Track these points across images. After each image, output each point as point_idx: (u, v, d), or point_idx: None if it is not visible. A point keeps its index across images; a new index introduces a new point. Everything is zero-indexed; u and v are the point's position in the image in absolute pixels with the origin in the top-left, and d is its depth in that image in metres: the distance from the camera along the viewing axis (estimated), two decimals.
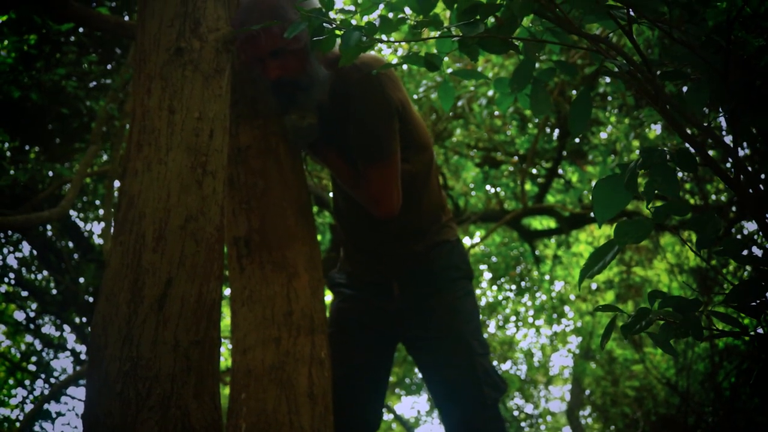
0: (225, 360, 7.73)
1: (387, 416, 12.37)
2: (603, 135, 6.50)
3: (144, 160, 1.91)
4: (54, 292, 7.68)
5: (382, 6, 1.74)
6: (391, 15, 1.75)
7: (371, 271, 2.62)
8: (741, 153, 4.86)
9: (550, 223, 8.70)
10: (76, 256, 7.27)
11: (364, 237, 2.61)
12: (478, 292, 9.88)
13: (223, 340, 5.07)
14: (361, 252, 2.65)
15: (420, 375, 2.78)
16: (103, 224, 6.86)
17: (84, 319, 7.61)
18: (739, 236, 6.15)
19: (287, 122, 2.43)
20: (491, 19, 1.57)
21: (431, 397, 2.58)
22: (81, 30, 5.39)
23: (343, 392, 2.45)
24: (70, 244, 7.26)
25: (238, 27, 2.30)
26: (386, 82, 2.38)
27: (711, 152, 5.04)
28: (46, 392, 7.88)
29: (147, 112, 1.96)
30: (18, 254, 7.49)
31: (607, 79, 5.61)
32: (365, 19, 1.78)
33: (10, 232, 7.04)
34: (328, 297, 3.31)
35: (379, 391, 2.63)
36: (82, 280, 7.24)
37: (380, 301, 2.60)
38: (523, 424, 13.19)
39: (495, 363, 11.11)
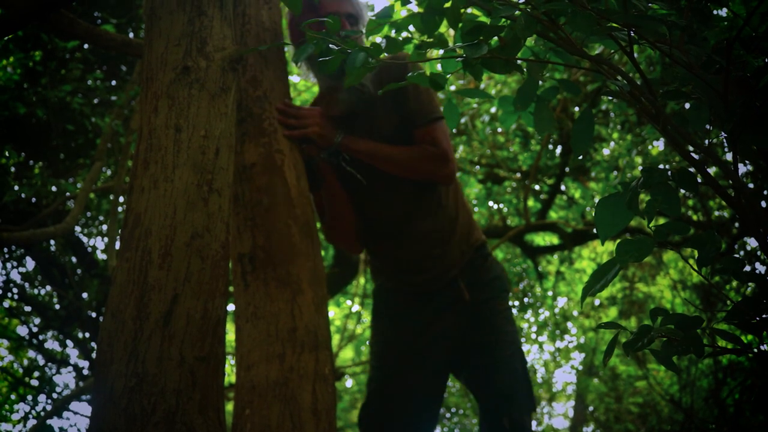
0: (229, 376, 7.71)
1: None
2: (606, 151, 6.51)
3: (150, 178, 1.93)
4: (57, 307, 7.68)
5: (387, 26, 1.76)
6: (394, 33, 1.77)
7: (429, 271, 2.65)
8: (743, 169, 4.88)
9: (552, 239, 8.70)
10: (79, 271, 7.28)
11: (412, 241, 2.65)
12: None
13: (227, 356, 5.05)
14: (413, 253, 2.66)
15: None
16: (106, 240, 6.88)
17: (87, 335, 7.61)
18: (742, 252, 6.15)
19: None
20: (495, 40, 1.59)
21: (479, 402, 2.60)
22: (86, 47, 5.43)
23: (404, 421, 2.58)
24: (74, 260, 7.27)
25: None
26: None
27: (713, 168, 5.05)
28: (49, 408, 7.88)
29: (154, 131, 1.98)
30: (21, 269, 7.51)
31: (610, 97, 5.62)
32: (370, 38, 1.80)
33: (13, 247, 7.06)
34: (332, 313, 3.32)
35: (435, 416, 2.68)
36: (85, 295, 7.25)
37: (445, 314, 2.63)
38: None
39: None
